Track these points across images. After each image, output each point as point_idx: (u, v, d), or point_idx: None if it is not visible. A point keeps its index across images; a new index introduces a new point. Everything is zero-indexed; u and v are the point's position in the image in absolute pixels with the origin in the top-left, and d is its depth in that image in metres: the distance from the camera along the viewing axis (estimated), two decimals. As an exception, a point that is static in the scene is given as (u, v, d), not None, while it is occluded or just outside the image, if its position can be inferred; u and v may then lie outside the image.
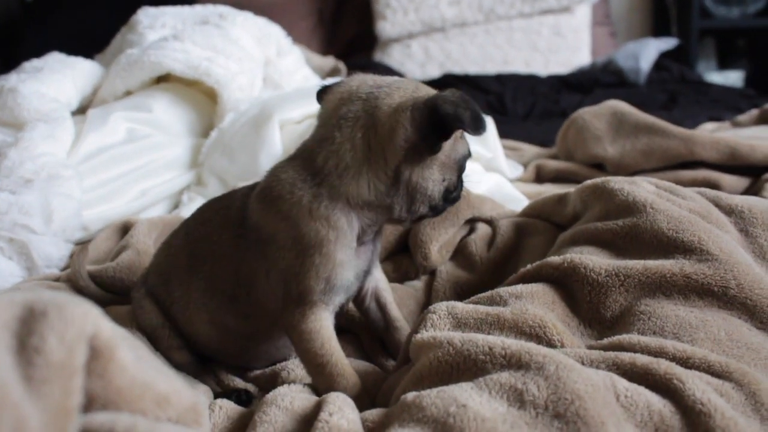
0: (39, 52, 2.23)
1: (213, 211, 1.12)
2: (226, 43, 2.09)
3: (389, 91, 0.95)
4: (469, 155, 1.02)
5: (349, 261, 0.96)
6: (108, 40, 2.61)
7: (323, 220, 0.93)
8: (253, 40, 2.23)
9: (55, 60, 2.15)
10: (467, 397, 0.76)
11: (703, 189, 1.22)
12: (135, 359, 0.60)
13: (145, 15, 2.43)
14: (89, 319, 0.55)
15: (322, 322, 0.97)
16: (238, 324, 1.07)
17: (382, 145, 0.92)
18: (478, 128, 0.91)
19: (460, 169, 1.01)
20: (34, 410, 0.48)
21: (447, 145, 0.95)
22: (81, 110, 2.11)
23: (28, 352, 0.51)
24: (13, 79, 1.96)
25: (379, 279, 1.14)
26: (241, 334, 1.08)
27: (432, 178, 0.96)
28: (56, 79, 2.02)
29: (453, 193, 1.01)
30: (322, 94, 1.02)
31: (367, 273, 1.05)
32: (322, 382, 0.98)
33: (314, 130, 1.00)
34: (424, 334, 0.92)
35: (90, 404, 0.56)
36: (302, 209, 0.94)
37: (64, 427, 0.50)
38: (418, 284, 1.34)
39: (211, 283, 1.07)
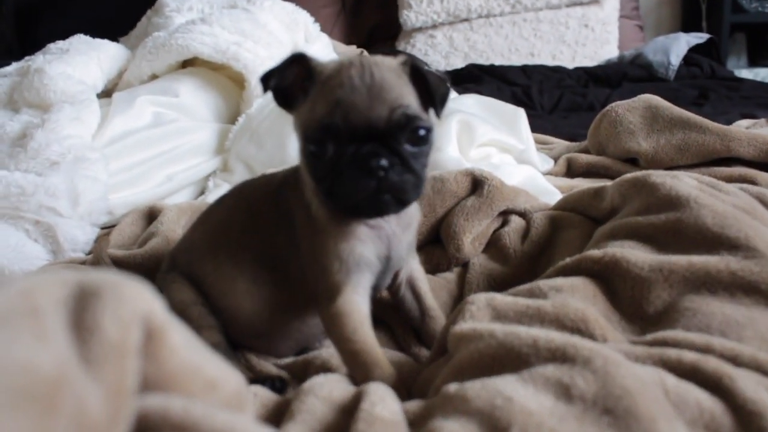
0: (60, 35, 2.22)
1: (252, 187, 1.15)
2: (255, 28, 2.07)
3: None
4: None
5: (356, 236, 0.97)
6: (130, 24, 2.61)
7: (321, 202, 0.98)
8: (281, 25, 2.21)
9: (81, 42, 2.15)
10: (512, 389, 0.74)
11: (745, 185, 1.20)
12: (184, 342, 0.58)
13: (171, -2, 2.42)
14: (143, 298, 0.53)
15: (353, 306, 0.96)
16: (273, 293, 1.07)
17: None
18: None
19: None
20: (92, 389, 0.47)
21: None
22: (106, 93, 2.10)
23: (83, 331, 0.49)
24: (39, 60, 1.96)
25: (414, 269, 1.14)
26: (275, 304, 1.08)
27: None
28: (82, 60, 2.01)
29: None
30: None
31: (389, 257, 1.03)
32: (358, 371, 0.96)
33: None
34: (464, 326, 0.90)
35: (142, 386, 0.54)
36: (309, 193, 0.99)
37: (121, 408, 0.49)
38: (451, 276, 1.32)
39: (250, 253, 1.08)
